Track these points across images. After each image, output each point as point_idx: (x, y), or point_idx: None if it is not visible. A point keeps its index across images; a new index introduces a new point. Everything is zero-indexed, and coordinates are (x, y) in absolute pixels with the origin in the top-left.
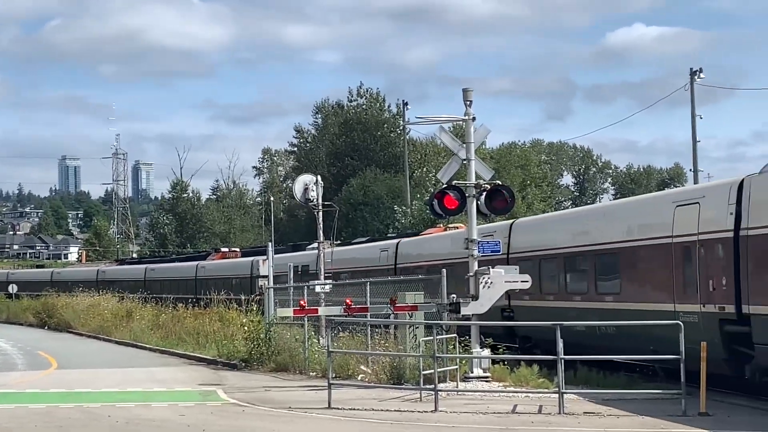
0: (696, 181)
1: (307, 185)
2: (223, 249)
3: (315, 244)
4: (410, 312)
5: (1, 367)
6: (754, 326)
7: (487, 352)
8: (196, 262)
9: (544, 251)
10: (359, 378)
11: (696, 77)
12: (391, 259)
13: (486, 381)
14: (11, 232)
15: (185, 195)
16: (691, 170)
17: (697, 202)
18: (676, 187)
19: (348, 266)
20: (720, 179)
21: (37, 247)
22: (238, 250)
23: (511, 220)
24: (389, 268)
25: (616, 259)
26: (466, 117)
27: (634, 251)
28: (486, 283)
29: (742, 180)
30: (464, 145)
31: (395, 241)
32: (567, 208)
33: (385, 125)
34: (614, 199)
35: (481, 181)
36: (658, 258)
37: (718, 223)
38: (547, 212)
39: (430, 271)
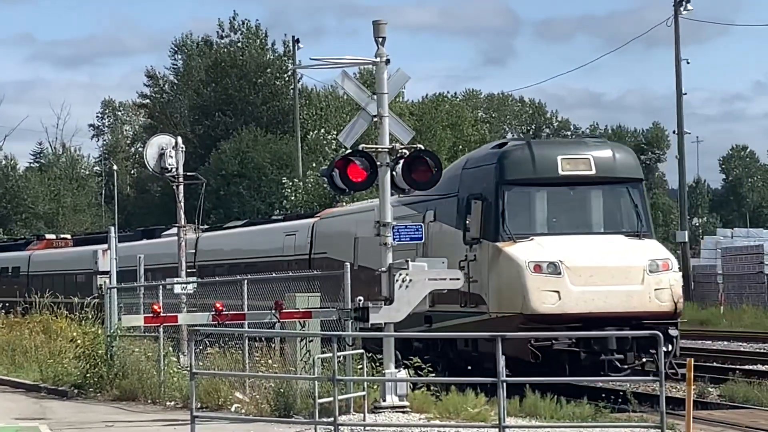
0: (681, 147)
1: (164, 150)
2: (48, 236)
3: (174, 230)
4: (302, 320)
5: None
6: None
7: (404, 373)
8: (17, 253)
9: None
10: (233, 408)
11: (681, 10)
12: (304, 248)
13: (403, 412)
14: None
15: None
16: (674, 132)
17: (295, 233)
18: (654, 154)
19: (226, 258)
20: (308, 219)
21: None
22: (69, 236)
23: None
24: (300, 260)
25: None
26: (378, 59)
27: (268, 265)
28: (403, 281)
29: (314, 222)
30: (374, 97)
31: (311, 220)
32: None
33: (269, 70)
34: None
35: (398, 145)
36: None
37: (304, 249)
38: None
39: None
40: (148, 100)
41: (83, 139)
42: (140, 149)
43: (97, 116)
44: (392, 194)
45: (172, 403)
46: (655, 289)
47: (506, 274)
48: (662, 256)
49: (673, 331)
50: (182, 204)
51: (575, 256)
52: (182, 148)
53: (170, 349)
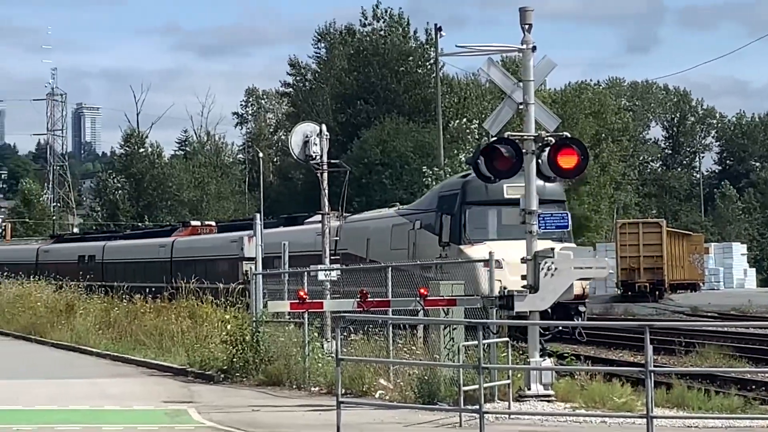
0: None
1: (308, 137)
2: (193, 222)
3: (317, 217)
4: (446, 308)
5: None
6: None
7: (549, 362)
8: (162, 239)
9: None
10: (377, 395)
11: None
12: (331, 244)
13: (548, 401)
14: None
15: (142, 150)
16: None
17: None
18: None
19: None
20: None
21: None
22: (213, 223)
23: None
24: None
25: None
26: (524, 46)
27: (304, 257)
28: (548, 269)
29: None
30: (520, 85)
31: (338, 223)
32: (654, 168)
33: (411, 58)
34: (719, 157)
35: (543, 133)
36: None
37: (331, 245)
38: (627, 175)
39: None
40: (290, 89)
41: (227, 127)
42: (283, 137)
43: (241, 104)
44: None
45: (317, 388)
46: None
47: (466, 268)
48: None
49: (581, 308)
50: (326, 191)
51: (513, 255)
52: (326, 135)
53: (316, 335)
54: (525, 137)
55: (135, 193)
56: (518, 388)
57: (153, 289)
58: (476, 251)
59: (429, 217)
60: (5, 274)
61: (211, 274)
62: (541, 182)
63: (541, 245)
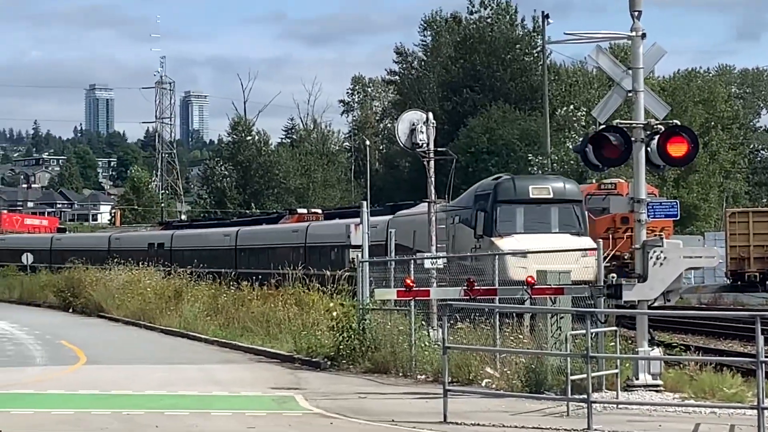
0: None
1: (415, 125)
2: (300, 210)
3: (423, 205)
4: (553, 297)
5: (14, 360)
6: None
7: (658, 351)
8: (305, 224)
9: None
10: (484, 383)
11: None
12: (382, 235)
13: (656, 390)
14: (24, 185)
15: (249, 138)
16: None
17: (376, 226)
18: None
19: None
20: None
21: (58, 205)
22: (319, 211)
23: None
24: (379, 245)
25: None
26: (633, 33)
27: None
28: (657, 258)
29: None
30: (629, 72)
31: (388, 217)
32: (765, 157)
33: (518, 46)
34: None
35: (653, 121)
36: None
37: (382, 236)
38: (737, 163)
39: None
40: (397, 77)
41: (333, 114)
42: (389, 125)
43: (347, 92)
44: (646, 171)
45: (423, 376)
46: (584, 267)
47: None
48: (590, 246)
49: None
50: (432, 179)
51: (536, 246)
52: (433, 123)
53: (423, 322)
54: (634, 125)
55: (242, 181)
56: (626, 378)
57: (260, 276)
58: (505, 243)
59: (466, 213)
60: (79, 260)
61: (317, 261)
62: (561, 184)
63: (559, 239)
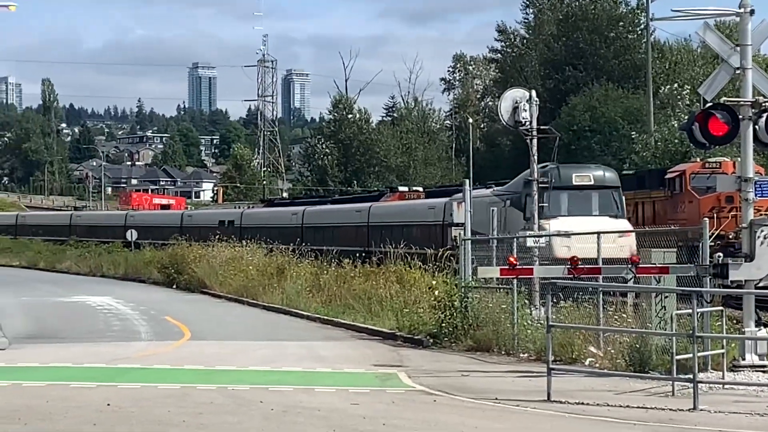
0: None
1: (518, 103)
2: (401, 188)
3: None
4: (658, 276)
5: (120, 335)
6: None
7: (765, 332)
8: (368, 204)
9: None
10: (587, 362)
11: None
12: (439, 216)
13: (763, 371)
14: (128, 163)
15: (351, 116)
16: None
17: (434, 207)
18: None
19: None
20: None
21: (161, 182)
22: (420, 189)
23: None
24: (437, 225)
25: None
26: (742, 10)
27: (417, 227)
28: (765, 238)
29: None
30: (737, 49)
31: (445, 199)
32: None
33: (621, 23)
34: None
35: (761, 99)
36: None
37: (439, 217)
38: None
39: None
40: (498, 55)
41: (434, 93)
42: (490, 103)
43: (448, 70)
44: (754, 149)
45: (526, 355)
46: (620, 246)
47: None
48: (627, 228)
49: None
50: (535, 158)
51: (579, 227)
52: (536, 101)
53: (526, 301)
54: (741, 103)
55: (343, 159)
56: (732, 358)
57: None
58: (551, 224)
59: (516, 197)
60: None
61: (416, 238)
62: (601, 172)
63: (599, 221)
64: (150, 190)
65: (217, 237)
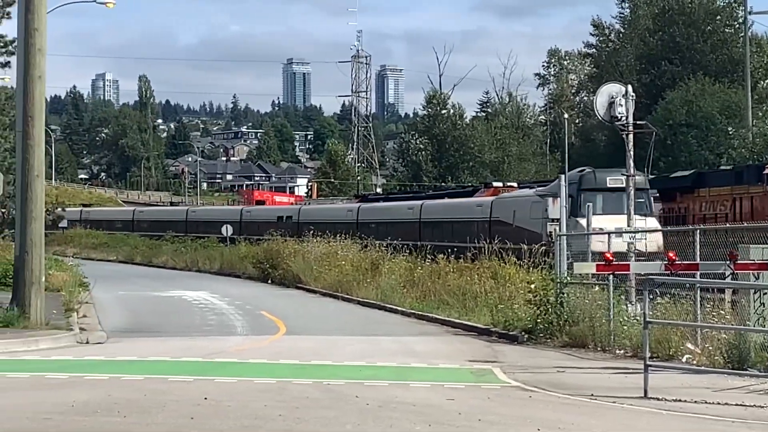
0: None
1: (614, 98)
2: (495, 183)
3: (521, 190)
4: (757, 272)
5: (216, 330)
6: None
7: None
8: (419, 202)
9: None
10: (684, 359)
11: None
12: (486, 213)
13: None
14: (224, 158)
15: (444, 112)
16: None
17: (482, 205)
18: None
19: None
20: (490, 197)
21: (256, 178)
22: (515, 185)
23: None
24: (484, 221)
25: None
26: None
27: (463, 223)
28: None
29: (493, 199)
30: None
31: (491, 198)
32: None
33: (718, 17)
34: None
35: None
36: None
37: (486, 214)
38: None
39: None
40: (593, 50)
41: (528, 88)
42: (585, 98)
43: (543, 65)
44: None
45: (622, 351)
46: (649, 241)
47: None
48: (656, 226)
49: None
50: (631, 153)
51: (612, 224)
52: (632, 96)
53: (622, 297)
54: None
55: (437, 154)
56: None
57: (455, 249)
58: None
59: (557, 197)
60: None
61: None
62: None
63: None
64: (245, 186)
65: (277, 232)
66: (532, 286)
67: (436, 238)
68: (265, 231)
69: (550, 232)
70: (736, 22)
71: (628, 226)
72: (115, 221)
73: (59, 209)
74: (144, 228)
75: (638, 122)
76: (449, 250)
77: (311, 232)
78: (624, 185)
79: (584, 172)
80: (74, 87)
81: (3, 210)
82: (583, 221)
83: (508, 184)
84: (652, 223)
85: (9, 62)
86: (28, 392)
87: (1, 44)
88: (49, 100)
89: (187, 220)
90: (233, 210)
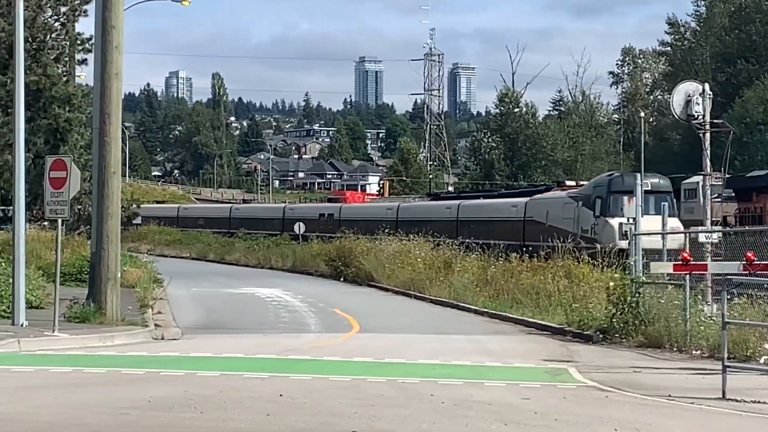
0: None
1: (690, 97)
2: (568, 182)
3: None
4: None
5: (290, 327)
6: None
7: None
8: (457, 202)
9: None
10: (762, 360)
11: None
12: (520, 213)
13: None
14: (296, 156)
15: (517, 110)
16: None
17: (516, 206)
18: None
19: None
20: (524, 198)
21: (328, 175)
22: (586, 183)
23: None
24: (518, 221)
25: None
26: None
27: (500, 222)
28: None
29: (527, 201)
30: None
31: (525, 199)
32: None
33: None
34: None
35: None
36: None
37: (521, 214)
38: None
39: None
40: (668, 48)
41: (602, 86)
42: (659, 97)
43: (617, 64)
44: None
45: (698, 351)
46: (672, 239)
47: (609, 231)
48: (678, 226)
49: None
50: (708, 152)
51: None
52: (709, 95)
53: (699, 297)
54: None
55: (509, 153)
56: None
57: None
58: (615, 221)
59: (587, 199)
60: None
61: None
62: (656, 179)
63: (654, 219)
64: (317, 184)
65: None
66: (611, 284)
67: (473, 235)
68: (308, 228)
69: (626, 231)
70: None
71: (663, 227)
72: (216, 218)
73: (134, 206)
74: (239, 226)
75: (715, 121)
76: (486, 247)
77: (352, 228)
78: (650, 188)
79: (613, 176)
80: (148, 85)
81: (79, 206)
82: (612, 221)
83: (581, 182)
84: (674, 223)
85: (86, 59)
86: (106, 387)
87: (79, 42)
88: (123, 97)
89: (284, 218)
90: (276, 207)
